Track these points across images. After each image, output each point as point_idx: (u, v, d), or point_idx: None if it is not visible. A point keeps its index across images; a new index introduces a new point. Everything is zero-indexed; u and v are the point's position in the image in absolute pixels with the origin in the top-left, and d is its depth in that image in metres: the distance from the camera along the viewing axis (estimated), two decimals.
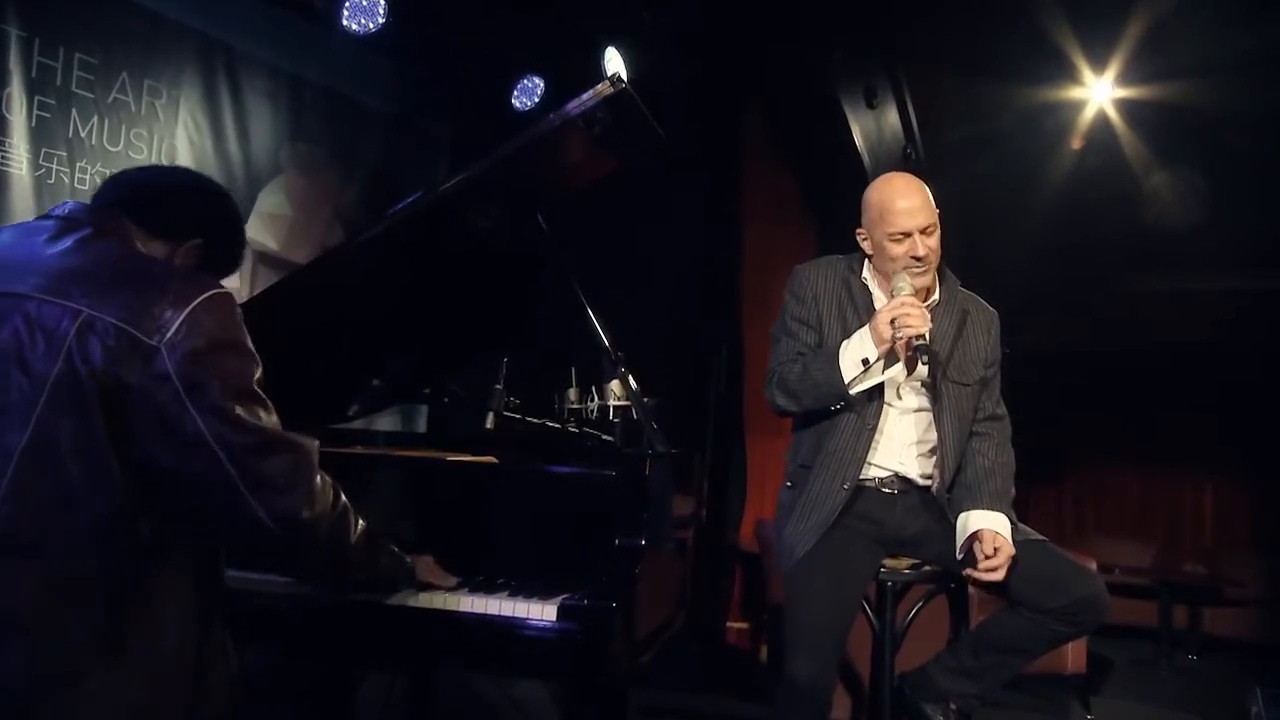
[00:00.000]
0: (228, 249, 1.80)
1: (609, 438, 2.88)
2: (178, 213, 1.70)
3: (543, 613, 1.97)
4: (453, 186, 2.23)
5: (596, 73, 4.34)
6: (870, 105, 4.61)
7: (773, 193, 5.19)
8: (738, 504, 5.08)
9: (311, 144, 4.36)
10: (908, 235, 2.41)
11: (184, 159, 3.83)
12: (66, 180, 3.47)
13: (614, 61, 4.37)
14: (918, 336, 2.31)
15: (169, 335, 1.44)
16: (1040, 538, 2.45)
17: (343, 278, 2.34)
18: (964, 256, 4.99)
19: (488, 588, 2.04)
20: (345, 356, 2.60)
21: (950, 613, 2.70)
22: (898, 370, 2.44)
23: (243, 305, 2.29)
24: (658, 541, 2.21)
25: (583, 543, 2.13)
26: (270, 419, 1.54)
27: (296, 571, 1.82)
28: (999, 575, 2.32)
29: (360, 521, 1.72)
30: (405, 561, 1.92)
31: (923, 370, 2.44)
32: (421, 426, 4.63)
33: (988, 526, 2.37)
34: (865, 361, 2.37)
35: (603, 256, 4.49)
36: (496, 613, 1.98)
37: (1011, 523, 2.43)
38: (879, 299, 2.52)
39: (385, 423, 4.32)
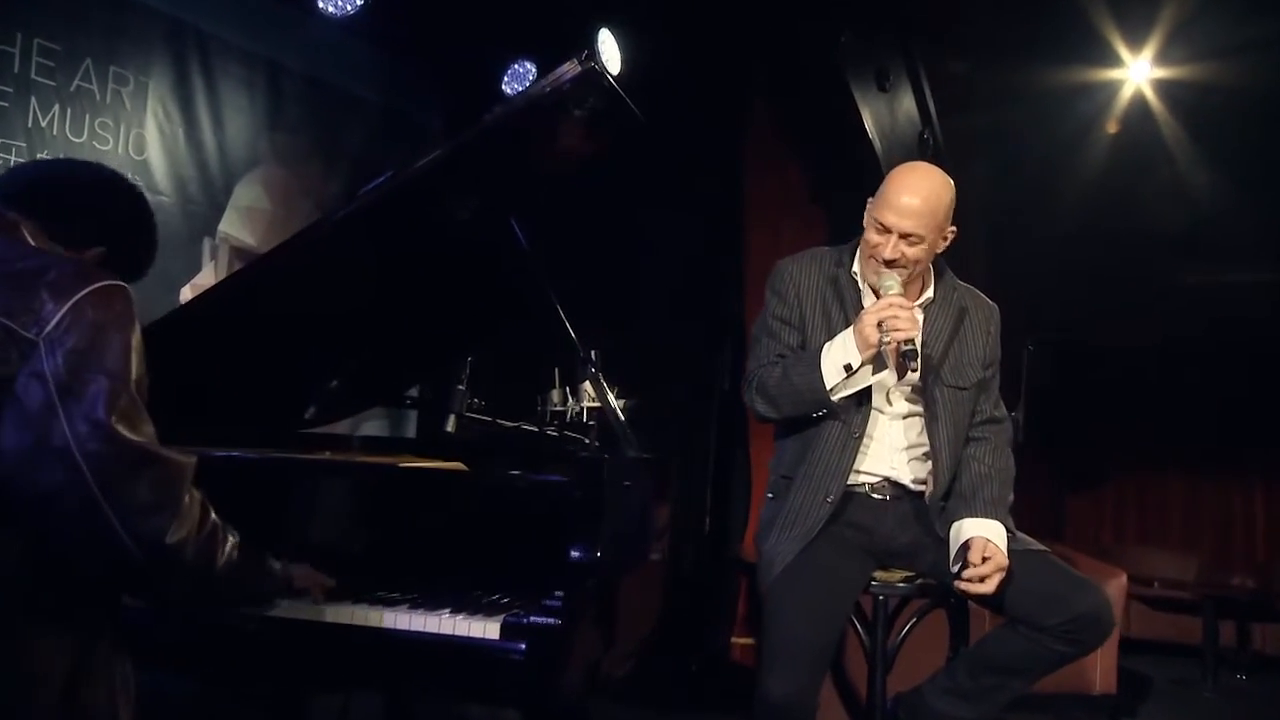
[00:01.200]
0: (132, 254, 1.67)
1: (587, 441, 2.79)
2: (78, 214, 1.59)
3: (485, 630, 1.86)
4: (422, 166, 2.12)
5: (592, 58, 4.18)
6: (882, 88, 4.41)
7: (779, 182, 5.00)
8: (742, 512, 4.87)
9: (292, 134, 4.25)
10: (887, 231, 2.24)
11: (154, 150, 3.74)
12: None
13: (608, 45, 4.18)
14: (906, 341, 2.14)
15: (48, 329, 1.34)
16: (1040, 548, 2.30)
17: (312, 265, 2.24)
18: (987, 256, 4.81)
19: (430, 604, 1.92)
20: (316, 355, 2.52)
21: (949, 630, 2.54)
22: (885, 375, 2.29)
23: (199, 297, 2.25)
24: (619, 552, 2.10)
25: (534, 554, 2.00)
26: (146, 431, 1.42)
27: (156, 596, 1.63)
28: (987, 587, 2.16)
29: (231, 539, 1.58)
30: (276, 576, 1.79)
31: (913, 375, 2.28)
32: (412, 431, 4.50)
33: (980, 535, 2.22)
34: (848, 367, 2.21)
35: (598, 252, 4.38)
36: (436, 630, 1.87)
37: (1009, 531, 2.28)
38: (868, 295, 2.36)
39: (372, 427, 4.21)
